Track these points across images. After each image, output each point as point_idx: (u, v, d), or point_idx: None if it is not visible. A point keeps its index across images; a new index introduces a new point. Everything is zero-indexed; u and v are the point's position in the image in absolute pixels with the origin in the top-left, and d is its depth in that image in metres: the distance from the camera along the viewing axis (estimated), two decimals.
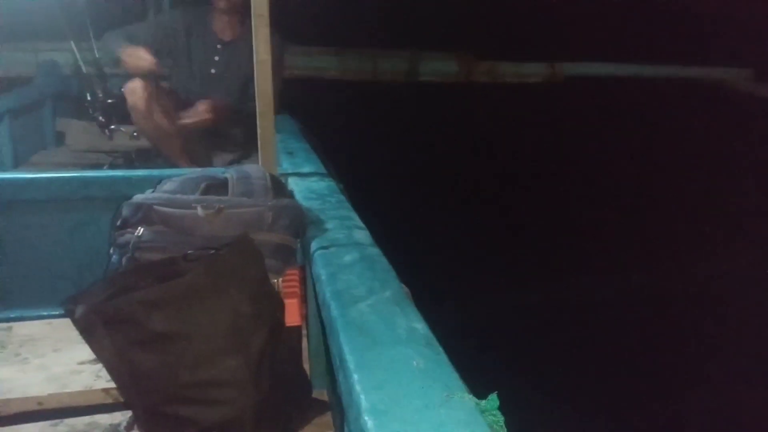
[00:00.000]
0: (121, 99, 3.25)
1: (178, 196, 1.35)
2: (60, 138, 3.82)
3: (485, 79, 5.32)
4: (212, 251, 1.21)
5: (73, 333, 1.74)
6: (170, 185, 1.40)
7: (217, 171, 1.65)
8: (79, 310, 1.09)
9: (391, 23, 4.98)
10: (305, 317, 1.56)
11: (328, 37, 5.01)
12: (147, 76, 2.97)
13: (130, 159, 3.43)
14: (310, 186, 1.91)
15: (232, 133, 3.14)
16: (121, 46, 2.90)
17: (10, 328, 1.79)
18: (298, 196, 1.79)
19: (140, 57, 2.84)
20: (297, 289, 1.53)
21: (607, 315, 3.57)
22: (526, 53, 5.38)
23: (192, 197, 1.35)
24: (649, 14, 5.62)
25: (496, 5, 5.18)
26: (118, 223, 1.37)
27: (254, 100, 2.85)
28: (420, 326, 0.97)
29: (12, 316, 1.84)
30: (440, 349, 0.90)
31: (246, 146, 3.15)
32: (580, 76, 5.48)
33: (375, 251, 1.32)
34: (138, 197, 1.38)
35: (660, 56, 5.71)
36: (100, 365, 1.56)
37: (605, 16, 5.35)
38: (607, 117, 5.35)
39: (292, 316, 1.45)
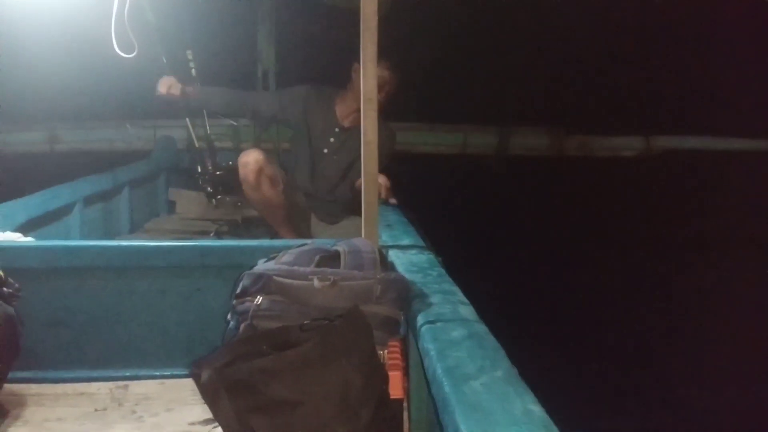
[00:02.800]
0: (228, 171, 3.49)
1: (296, 267, 1.43)
2: (171, 206, 4.13)
3: (577, 153, 5.29)
4: (326, 322, 1.27)
5: (184, 394, 1.85)
6: (288, 257, 1.49)
7: (326, 243, 1.73)
8: (205, 375, 1.16)
9: (481, 98, 5.11)
10: (407, 390, 1.57)
11: (419, 113, 5.19)
12: (257, 149, 3.20)
13: (234, 226, 3.64)
14: (410, 259, 1.95)
15: (331, 206, 3.28)
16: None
17: (126, 387, 1.90)
18: (400, 269, 1.83)
19: (169, 84, 3.13)
20: (399, 362, 1.55)
21: None
22: (620, 127, 5.34)
23: (308, 269, 1.43)
24: (746, 87, 5.46)
25: (588, 79, 5.21)
26: (238, 291, 1.46)
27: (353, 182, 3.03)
28: (536, 408, 0.97)
29: (128, 374, 1.95)
30: None
31: (342, 218, 3.29)
32: (677, 149, 5.35)
33: (482, 328, 1.33)
34: (258, 268, 1.48)
35: (760, 130, 5.50)
36: (210, 427, 1.63)
37: (702, 88, 5.26)
38: (707, 192, 5.16)
39: (396, 389, 1.47)
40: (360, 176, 2.99)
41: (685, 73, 5.21)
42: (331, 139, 3.21)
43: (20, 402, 1.75)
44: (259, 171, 3.01)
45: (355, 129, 3.18)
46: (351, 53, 3.09)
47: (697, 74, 5.27)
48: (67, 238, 2.93)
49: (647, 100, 5.32)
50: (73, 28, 3.49)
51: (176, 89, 3.15)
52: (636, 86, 5.26)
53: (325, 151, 3.21)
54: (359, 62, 3.07)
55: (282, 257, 1.52)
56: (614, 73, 5.25)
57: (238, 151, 3.80)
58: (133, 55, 2.03)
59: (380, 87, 3.00)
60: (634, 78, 5.23)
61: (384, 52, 1.98)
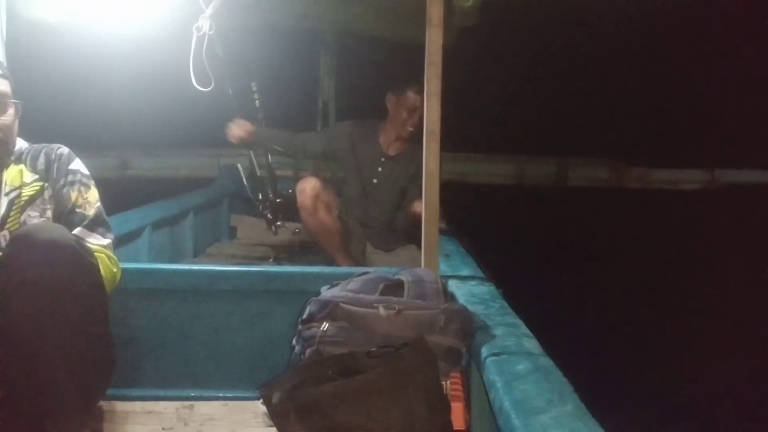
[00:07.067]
0: (288, 199, 3.58)
1: (362, 295, 1.46)
2: (232, 232, 4.26)
3: (637, 185, 5.21)
4: (392, 350, 1.29)
5: (247, 416, 1.88)
6: (353, 285, 1.53)
7: (389, 271, 1.75)
8: (276, 397, 1.20)
9: (539, 128, 5.10)
10: (468, 422, 1.56)
11: (475, 143, 5.21)
12: (315, 177, 3.30)
13: (292, 253, 3.72)
14: (471, 290, 1.95)
15: (387, 235, 3.32)
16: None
17: (192, 407, 1.95)
18: (461, 300, 1.83)
19: (240, 126, 3.27)
20: (461, 393, 1.55)
21: None
22: (682, 159, 5.22)
23: (373, 297, 1.45)
24: None
25: (650, 110, 5.13)
26: (305, 316, 1.50)
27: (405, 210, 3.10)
28: None
29: (192, 394, 2.00)
30: None
31: (397, 247, 3.32)
32: (744, 183, 5.18)
33: (547, 362, 1.32)
34: (325, 294, 1.51)
35: None
36: None
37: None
38: None
39: (458, 420, 1.47)
40: (411, 202, 3.10)
41: (754, 105, 5.06)
42: (379, 169, 3.28)
43: (92, 418, 1.82)
44: (316, 197, 3.09)
45: (399, 156, 3.25)
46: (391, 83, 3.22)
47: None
48: (136, 260, 3.05)
49: (712, 133, 5.19)
50: (143, 62, 3.70)
51: (249, 134, 3.33)
52: (701, 118, 5.15)
53: (375, 181, 3.29)
54: (392, 92, 3.20)
55: (347, 285, 1.55)
56: (678, 104, 5.16)
57: (298, 179, 3.90)
58: (210, 89, 2.13)
59: (412, 111, 3.10)
60: (699, 109, 5.12)
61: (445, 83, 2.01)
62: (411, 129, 3.13)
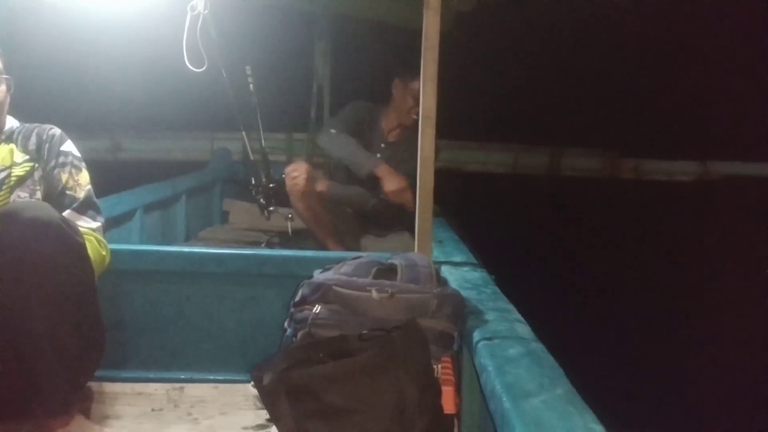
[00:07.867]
0: (281, 184, 3.56)
1: (355, 278, 1.46)
2: (225, 216, 4.24)
3: (630, 176, 5.24)
4: (384, 333, 1.28)
5: (238, 399, 1.88)
6: (346, 268, 1.52)
7: (381, 256, 1.75)
8: (266, 378, 1.19)
9: (533, 118, 5.10)
10: (458, 406, 1.57)
11: (469, 131, 5.20)
12: (305, 162, 3.27)
13: (284, 238, 3.71)
14: (463, 275, 1.95)
15: (378, 220, 3.32)
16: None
17: (182, 389, 1.94)
18: (453, 285, 1.83)
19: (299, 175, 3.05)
20: (452, 377, 1.55)
21: None
22: (676, 151, 5.24)
23: (366, 281, 1.45)
24: None
25: (643, 102, 5.14)
26: (297, 299, 1.49)
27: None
28: (598, 428, 0.96)
29: (183, 377, 2.00)
30: None
31: (390, 232, 3.31)
32: (737, 175, 5.21)
33: (539, 346, 1.32)
34: (318, 277, 1.51)
35: None
36: None
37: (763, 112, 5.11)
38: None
39: (448, 404, 1.47)
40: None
41: (748, 98, 5.08)
42: (378, 155, 3.25)
43: (81, 399, 1.81)
44: (305, 182, 3.07)
45: (399, 143, 3.22)
46: (399, 70, 3.17)
47: (761, 99, 5.13)
48: (127, 242, 3.03)
49: (705, 125, 5.21)
50: (137, 41, 3.66)
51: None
52: (694, 110, 5.16)
53: None
54: (400, 78, 3.15)
55: (340, 268, 1.55)
56: (672, 96, 5.17)
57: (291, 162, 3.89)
58: (203, 69, 2.10)
59: (419, 100, 3.04)
60: (693, 101, 5.13)
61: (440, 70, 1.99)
62: (415, 117, 3.09)
